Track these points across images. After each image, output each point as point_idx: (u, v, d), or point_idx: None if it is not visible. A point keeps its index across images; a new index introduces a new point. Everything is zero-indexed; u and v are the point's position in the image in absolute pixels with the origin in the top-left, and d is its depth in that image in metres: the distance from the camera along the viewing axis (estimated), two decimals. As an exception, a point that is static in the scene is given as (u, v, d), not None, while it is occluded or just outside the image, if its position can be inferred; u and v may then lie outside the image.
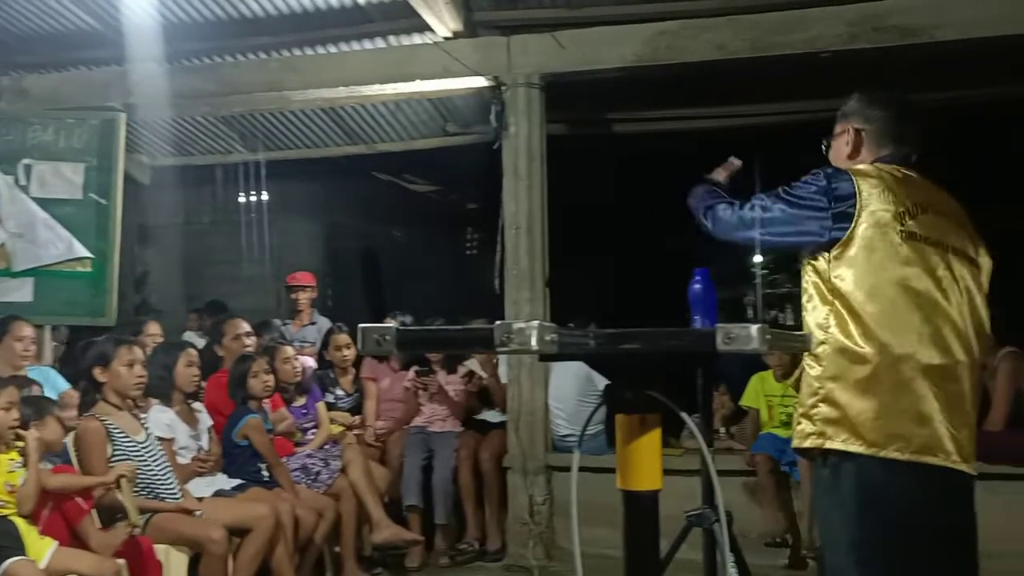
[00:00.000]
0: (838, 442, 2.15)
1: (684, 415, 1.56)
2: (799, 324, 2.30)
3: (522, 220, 5.30)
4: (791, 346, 2.03)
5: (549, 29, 5.29)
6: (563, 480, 5.25)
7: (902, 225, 2.20)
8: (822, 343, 2.18)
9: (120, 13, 5.43)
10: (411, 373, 5.44)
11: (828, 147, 2.52)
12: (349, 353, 5.46)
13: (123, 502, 3.35)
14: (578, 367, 5.23)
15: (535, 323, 1.21)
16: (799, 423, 2.24)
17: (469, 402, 5.57)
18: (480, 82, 5.45)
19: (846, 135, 2.43)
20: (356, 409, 5.46)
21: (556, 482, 5.27)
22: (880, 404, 2.12)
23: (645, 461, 1.48)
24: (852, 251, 2.18)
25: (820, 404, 2.18)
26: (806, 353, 2.20)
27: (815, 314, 2.22)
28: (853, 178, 2.23)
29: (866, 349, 2.14)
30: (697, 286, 2.24)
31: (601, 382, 5.23)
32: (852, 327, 2.15)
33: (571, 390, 5.35)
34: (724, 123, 6.91)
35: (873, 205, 2.19)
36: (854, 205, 2.19)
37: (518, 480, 5.23)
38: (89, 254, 5.68)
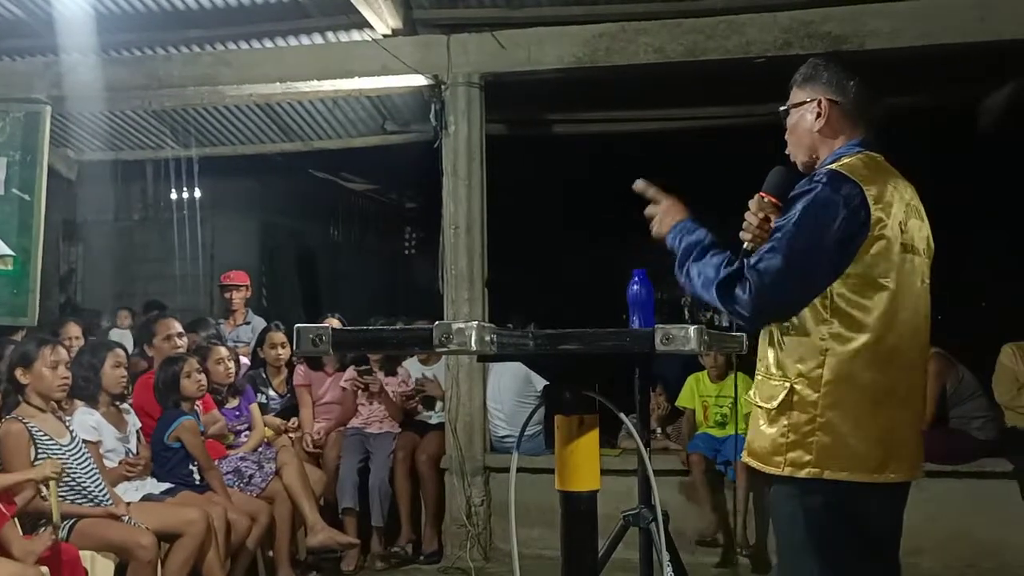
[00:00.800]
0: (837, 472, 2.01)
1: (622, 416, 1.56)
2: (733, 327, 2.25)
3: (461, 220, 5.28)
4: (727, 347, 2.05)
5: (489, 28, 5.29)
6: (501, 481, 5.25)
7: (902, 235, 2.06)
8: (817, 368, 2.01)
9: (46, 2, 5.27)
10: (350, 372, 5.38)
11: (785, 115, 2.27)
12: (284, 352, 5.38)
13: (49, 503, 3.24)
14: (517, 367, 5.24)
15: (474, 323, 1.20)
16: (787, 450, 2.05)
17: (407, 405, 5.54)
18: (419, 80, 5.42)
19: (814, 105, 2.18)
20: (289, 411, 5.38)
21: (494, 483, 5.27)
22: (881, 430, 2.03)
23: (583, 462, 1.48)
24: (865, 269, 2.01)
25: (818, 433, 2.01)
26: (797, 376, 2.04)
27: (807, 334, 2.04)
28: (860, 185, 2.01)
29: (869, 373, 2.01)
30: (635, 287, 2.25)
31: (540, 383, 5.25)
32: (857, 350, 2.00)
33: (509, 391, 5.36)
34: (662, 125, 7.02)
35: (878, 213, 2.01)
36: (868, 219, 2.00)
37: (456, 481, 5.21)
38: (10, 252, 5.49)
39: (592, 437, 1.48)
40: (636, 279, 2.24)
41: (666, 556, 2.67)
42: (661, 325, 1.38)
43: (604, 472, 1.53)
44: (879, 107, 2.23)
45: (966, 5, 4.85)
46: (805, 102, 2.20)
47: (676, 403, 5.58)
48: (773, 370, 2.11)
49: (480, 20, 5.40)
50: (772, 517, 2.25)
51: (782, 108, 2.27)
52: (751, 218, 2.21)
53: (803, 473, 2.03)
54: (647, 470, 2.95)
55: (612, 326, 1.51)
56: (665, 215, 2.24)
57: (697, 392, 5.40)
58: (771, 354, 2.13)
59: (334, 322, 5.41)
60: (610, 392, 1.52)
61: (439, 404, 5.60)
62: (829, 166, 2.10)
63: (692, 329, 1.36)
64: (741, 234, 2.22)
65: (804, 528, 2.06)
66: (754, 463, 2.15)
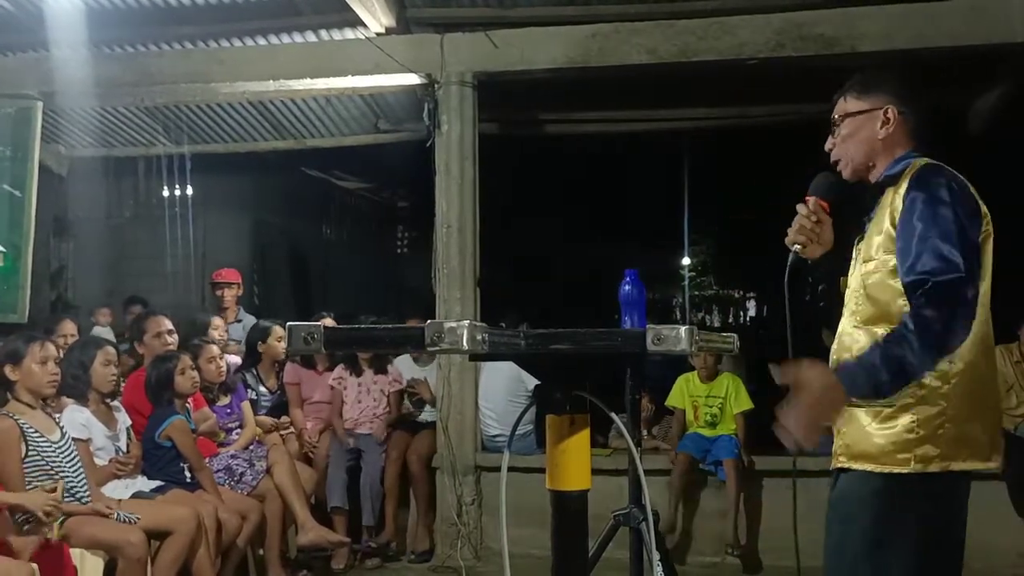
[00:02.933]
0: (962, 463, 2.01)
1: (614, 415, 1.57)
2: (725, 326, 2.25)
3: (454, 219, 5.29)
4: (719, 347, 2.04)
5: (483, 28, 5.30)
6: (492, 480, 5.25)
7: (990, 227, 2.09)
8: (949, 361, 1.98)
9: (38, -3, 5.25)
10: (338, 371, 5.38)
11: (836, 124, 2.24)
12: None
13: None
14: (508, 367, 5.24)
15: (466, 322, 1.20)
16: (915, 445, 2.00)
17: (400, 410, 5.54)
18: (413, 79, 5.42)
19: (880, 114, 2.17)
20: (279, 408, 5.37)
21: (485, 482, 5.27)
22: (995, 416, 2.11)
23: (574, 461, 1.48)
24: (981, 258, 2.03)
25: (947, 425, 2.00)
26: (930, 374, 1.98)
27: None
28: (962, 179, 2.04)
29: (985, 361, 2.07)
30: (627, 287, 2.25)
31: (531, 382, 5.26)
32: (977, 339, 2.01)
33: (501, 390, 5.36)
34: (656, 126, 7.03)
35: (983, 207, 2.06)
36: (980, 209, 2.04)
37: (447, 480, 5.21)
38: (1, 248, 5.46)
39: (583, 437, 1.49)
40: (628, 279, 2.24)
41: (656, 556, 2.68)
42: (652, 325, 1.39)
43: (595, 472, 1.53)
44: (932, 119, 2.24)
45: (957, 8, 4.88)
46: (869, 110, 2.19)
47: (666, 403, 5.59)
48: None
49: (473, 19, 5.40)
50: (851, 520, 2.12)
51: (837, 116, 2.24)
52: (805, 222, 2.22)
53: (933, 467, 2.00)
54: (638, 470, 2.96)
55: (604, 326, 1.51)
56: (820, 407, 1.89)
57: (687, 392, 5.41)
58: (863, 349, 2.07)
59: (329, 321, 5.41)
60: (599, 392, 1.52)
61: (427, 405, 5.62)
62: (918, 164, 2.10)
63: (683, 329, 1.36)
64: (793, 237, 2.23)
65: (911, 526, 2.03)
66: (862, 466, 2.08)
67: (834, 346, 2.23)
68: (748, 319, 21.88)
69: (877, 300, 2.09)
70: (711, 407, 5.30)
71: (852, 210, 2.23)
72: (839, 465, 2.17)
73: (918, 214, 1.99)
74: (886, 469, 2.04)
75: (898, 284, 2.02)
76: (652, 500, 2.28)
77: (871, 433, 2.07)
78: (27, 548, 3.18)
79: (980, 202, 2.06)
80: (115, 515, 3.56)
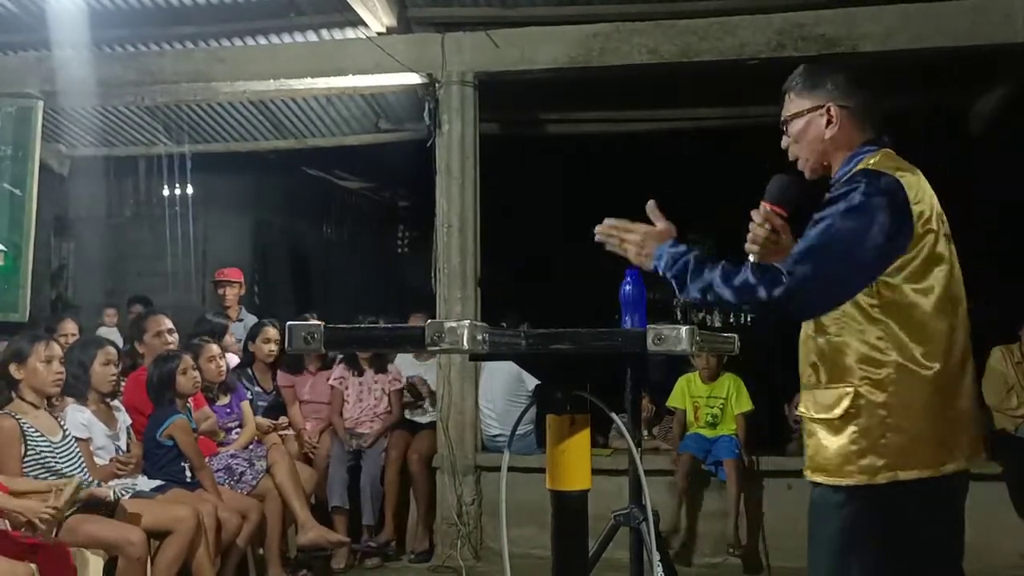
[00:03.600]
0: (910, 471, 1.95)
1: (614, 415, 1.57)
2: (726, 326, 2.24)
3: (454, 219, 5.29)
4: (720, 348, 2.04)
5: (484, 27, 5.30)
6: (492, 480, 5.25)
7: (941, 224, 2.02)
8: (879, 368, 1.96)
9: (39, -4, 5.25)
10: (338, 371, 5.38)
11: (785, 125, 2.19)
12: (276, 348, 5.36)
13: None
14: (509, 367, 5.24)
15: (466, 322, 1.20)
16: (858, 457, 1.97)
17: (401, 410, 5.54)
18: (414, 79, 5.41)
19: (823, 112, 2.11)
20: (276, 408, 5.36)
21: (485, 482, 5.27)
22: (947, 421, 1.99)
23: (575, 461, 1.48)
24: (915, 263, 1.97)
25: (888, 434, 1.95)
26: (861, 379, 1.97)
27: (862, 335, 1.97)
28: (899, 181, 1.97)
29: (932, 368, 1.96)
30: (628, 287, 2.25)
31: (532, 382, 5.26)
32: (913, 346, 1.95)
33: (501, 390, 5.36)
34: (656, 126, 7.03)
35: (919, 207, 1.97)
36: (911, 214, 1.96)
37: (447, 480, 5.21)
38: (2, 247, 5.47)
39: (583, 437, 1.49)
40: (628, 279, 2.24)
41: (656, 556, 2.68)
42: (653, 325, 1.39)
43: (595, 472, 1.53)
44: (882, 106, 2.17)
45: (958, 9, 4.88)
46: (811, 109, 2.13)
47: (667, 403, 5.60)
48: (827, 378, 2.04)
49: (474, 19, 5.40)
50: (820, 532, 2.08)
51: (783, 118, 2.19)
52: (758, 230, 2.16)
53: (880, 479, 1.95)
54: (638, 470, 2.96)
55: (604, 326, 1.51)
56: (645, 241, 2.12)
57: (688, 393, 5.41)
58: (820, 362, 2.05)
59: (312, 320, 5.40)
60: (599, 392, 1.52)
61: (426, 402, 5.61)
62: (860, 167, 2.03)
63: (684, 330, 1.36)
64: (748, 246, 2.18)
65: (867, 538, 1.98)
66: (821, 478, 2.05)
67: (800, 353, 2.17)
68: (749, 319, 21.88)
69: None
70: (712, 408, 5.30)
71: (814, 209, 2.13)
72: (807, 478, 2.14)
73: (826, 211, 1.96)
74: (840, 481, 2.00)
75: None
76: (653, 500, 2.27)
77: (826, 445, 2.04)
78: (28, 547, 3.18)
79: (912, 203, 1.96)
80: (110, 495, 3.54)
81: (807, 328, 2.11)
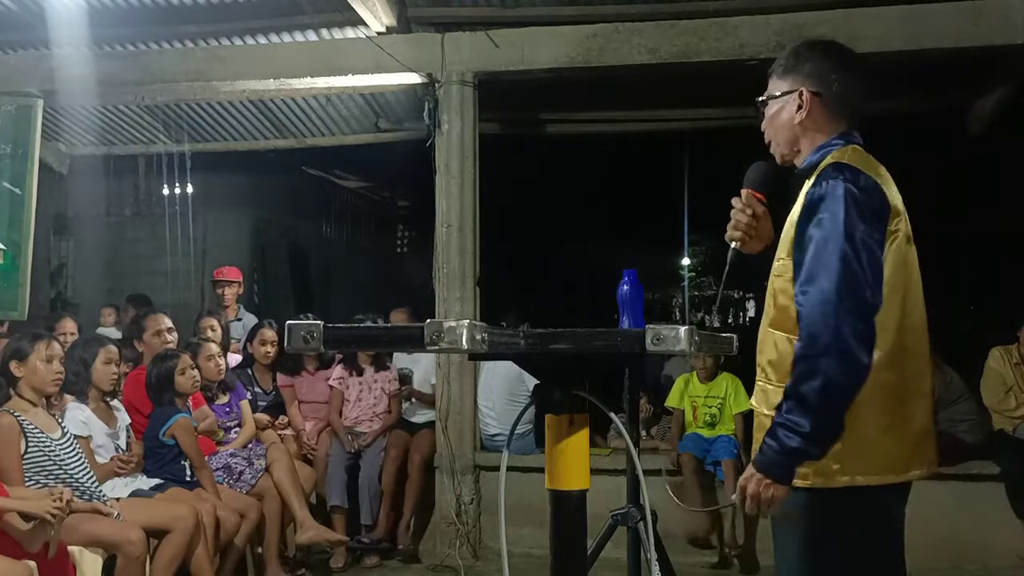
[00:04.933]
0: (869, 477, 1.90)
1: (613, 415, 1.57)
2: (724, 326, 2.24)
3: (454, 218, 5.29)
4: (718, 348, 2.03)
5: (483, 27, 5.30)
6: (491, 479, 5.26)
7: (906, 225, 1.96)
8: None
9: (38, -5, 5.25)
10: (338, 371, 5.39)
11: (763, 105, 2.16)
12: (272, 349, 5.37)
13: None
14: (508, 366, 5.24)
15: (465, 322, 1.20)
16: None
17: (400, 411, 5.54)
18: (413, 78, 5.42)
19: (795, 97, 2.06)
20: (275, 408, 5.37)
21: (484, 481, 5.28)
22: (907, 429, 1.95)
23: (573, 461, 1.48)
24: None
25: (846, 439, 1.86)
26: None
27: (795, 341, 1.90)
28: (873, 178, 1.92)
29: (889, 374, 1.90)
30: (625, 287, 2.25)
31: (531, 382, 5.26)
32: (889, 354, 1.89)
33: (501, 389, 5.36)
34: (655, 126, 7.04)
35: (894, 203, 1.94)
36: (888, 212, 1.91)
37: (446, 479, 5.21)
38: (1, 245, 5.47)
39: (582, 436, 1.49)
40: (626, 279, 2.24)
41: (654, 555, 2.69)
42: (652, 325, 1.39)
43: (593, 471, 1.54)
44: (865, 100, 2.10)
45: (957, 11, 4.88)
46: (785, 92, 2.09)
47: (666, 403, 5.60)
48: (774, 376, 1.99)
49: (474, 19, 5.40)
50: (784, 533, 2.04)
51: (760, 99, 2.17)
52: (740, 216, 2.14)
53: (837, 482, 1.90)
54: (636, 469, 2.96)
55: (601, 326, 1.52)
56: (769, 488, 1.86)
57: (686, 393, 5.42)
58: (772, 359, 2.01)
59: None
60: (598, 392, 1.53)
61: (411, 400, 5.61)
62: (828, 161, 1.97)
63: (683, 330, 1.36)
64: (729, 234, 2.16)
65: (824, 544, 1.94)
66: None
67: (759, 340, 2.11)
68: (748, 320, 21.87)
69: (780, 304, 2.00)
70: (710, 407, 5.31)
71: (788, 199, 2.09)
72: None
73: (814, 222, 1.88)
74: (803, 484, 1.92)
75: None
76: (651, 500, 2.28)
77: None
78: (32, 543, 3.18)
79: (889, 201, 1.93)
80: (115, 514, 3.56)
81: (764, 322, 2.07)
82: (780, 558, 2.07)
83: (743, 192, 2.18)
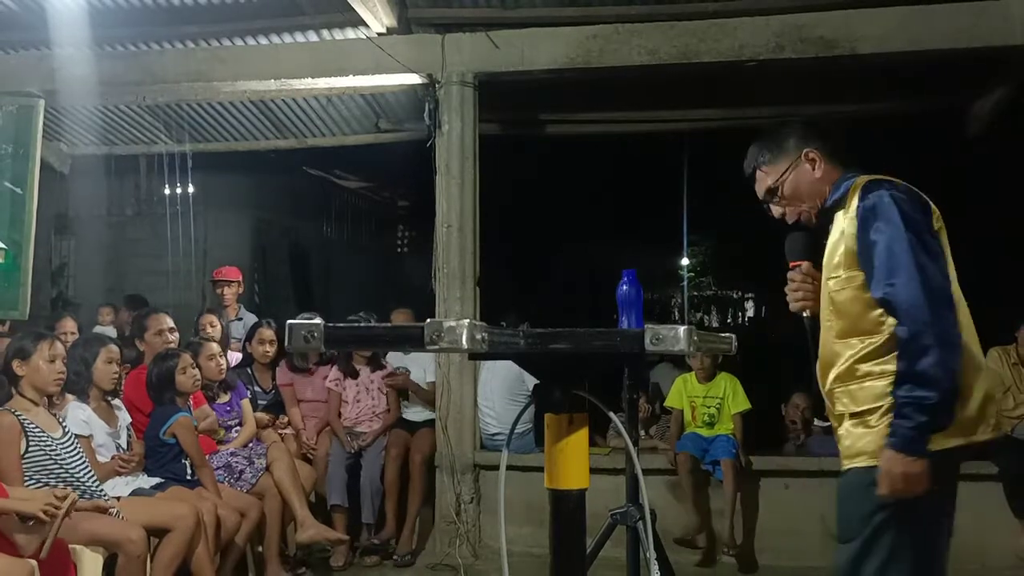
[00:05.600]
0: (955, 439, 2.10)
1: (612, 414, 1.58)
2: (723, 327, 2.29)
3: (454, 218, 5.30)
4: (717, 348, 2.04)
5: (483, 28, 5.31)
6: (491, 479, 5.27)
7: (941, 221, 2.22)
8: None
9: (40, -5, 5.26)
10: (334, 372, 5.40)
11: (775, 195, 2.38)
12: (271, 349, 5.38)
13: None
14: (509, 366, 5.25)
15: (465, 322, 1.21)
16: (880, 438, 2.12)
17: (399, 409, 5.54)
18: (414, 79, 5.43)
19: (802, 162, 2.34)
20: (275, 407, 5.38)
21: (484, 481, 5.29)
22: (977, 394, 2.15)
23: (573, 460, 1.49)
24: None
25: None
26: (888, 372, 2.13)
27: (876, 339, 2.17)
28: (906, 184, 2.20)
29: (968, 344, 2.15)
30: (625, 287, 2.26)
31: (532, 381, 5.26)
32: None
33: (501, 389, 5.37)
34: (655, 127, 7.05)
35: (930, 203, 2.20)
36: (929, 210, 2.18)
37: (446, 479, 5.22)
38: (2, 245, 5.48)
39: (582, 436, 1.50)
40: (625, 279, 2.26)
41: (653, 554, 2.70)
42: (651, 325, 1.40)
43: (593, 471, 1.55)
44: (843, 137, 2.41)
45: (956, 12, 4.89)
46: (792, 165, 2.34)
47: (665, 403, 5.61)
48: (875, 369, 2.16)
49: (474, 20, 5.42)
50: (854, 511, 2.20)
51: (769, 187, 2.37)
52: (806, 287, 2.34)
53: (953, 443, 2.08)
54: (635, 469, 2.98)
55: (600, 325, 1.52)
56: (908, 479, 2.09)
57: (685, 392, 5.43)
58: (851, 364, 2.19)
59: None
60: (598, 391, 1.54)
61: (412, 397, 5.60)
62: (858, 183, 2.22)
63: (681, 329, 1.37)
64: (799, 305, 2.35)
65: (900, 513, 2.10)
66: (861, 462, 2.16)
67: (819, 362, 2.32)
68: (747, 320, 21.87)
69: (848, 314, 2.21)
70: (709, 407, 5.32)
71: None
72: (844, 467, 2.25)
73: (873, 229, 2.13)
74: (875, 462, 2.12)
75: (868, 296, 2.15)
76: (650, 499, 2.30)
77: (870, 432, 2.16)
78: (30, 546, 3.19)
79: (927, 200, 2.19)
80: (115, 512, 3.57)
81: (829, 337, 2.26)
82: (845, 539, 2.19)
83: (802, 265, 2.36)
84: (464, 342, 1.20)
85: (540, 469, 1.50)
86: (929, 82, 5.79)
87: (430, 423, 5.43)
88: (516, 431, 4.55)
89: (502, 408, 5.37)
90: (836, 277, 2.23)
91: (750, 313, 22.15)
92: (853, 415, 2.20)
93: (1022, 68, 5.44)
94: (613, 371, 2.88)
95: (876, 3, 4.96)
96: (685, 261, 17.11)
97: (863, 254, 2.15)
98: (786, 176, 2.34)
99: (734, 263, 18.73)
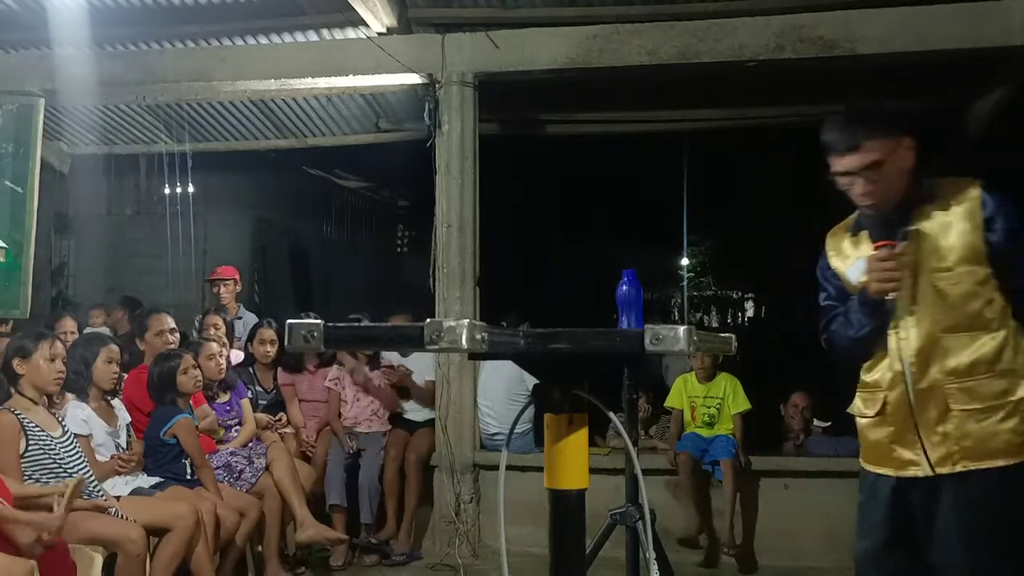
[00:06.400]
0: None
1: (611, 414, 1.58)
2: (723, 327, 2.28)
3: (454, 218, 5.30)
4: (717, 348, 2.04)
5: (483, 28, 5.31)
6: (490, 478, 5.27)
7: None
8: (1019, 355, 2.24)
9: (40, -5, 5.26)
10: (334, 371, 5.39)
11: (875, 169, 2.27)
12: (272, 349, 5.38)
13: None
14: (509, 366, 5.25)
15: (465, 321, 1.21)
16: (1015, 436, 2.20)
17: (394, 399, 5.54)
18: (414, 79, 5.43)
19: (903, 148, 2.29)
20: (276, 407, 5.37)
21: (483, 480, 5.29)
22: None
23: (572, 460, 1.49)
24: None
25: None
26: (1011, 370, 2.22)
27: (998, 335, 2.24)
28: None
29: None
30: (624, 287, 2.27)
31: (532, 381, 5.25)
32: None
33: (501, 389, 5.37)
34: (655, 127, 7.05)
35: None
36: None
37: (445, 478, 5.23)
38: (2, 244, 5.48)
39: (581, 436, 1.50)
40: (625, 280, 2.26)
41: (653, 554, 2.70)
42: (651, 325, 1.40)
43: (592, 471, 1.55)
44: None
45: (956, 12, 4.89)
46: (893, 148, 2.27)
47: (665, 403, 5.62)
48: (995, 368, 2.21)
49: (474, 20, 5.42)
50: (1002, 509, 2.23)
51: (877, 159, 2.27)
52: (895, 269, 2.26)
53: None
54: (635, 469, 2.98)
55: (600, 325, 1.52)
56: None
57: (685, 392, 5.43)
58: (973, 359, 2.22)
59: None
60: (597, 391, 1.54)
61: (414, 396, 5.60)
62: (955, 183, 2.30)
63: (681, 329, 1.37)
64: (883, 287, 2.27)
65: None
66: (1003, 461, 2.19)
67: (915, 354, 2.28)
68: (746, 320, 21.88)
69: (962, 309, 2.23)
70: (709, 407, 5.32)
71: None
72: (967, 468, 2.23)
73: (1002, 226, 2.21)
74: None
75: (988, 292, 2.22)
76: (649, 499, 2.30)
77: (999, 429, 2.20)
78: (30, 546, 3.18)
79: None
80: (114, 511, 3.57)
81: (935, 330, 2.25)
82: (1002, 544, 2.20)
83: (896, 245, 2.27)
84: (464, 342, 1.20)
85: (540, 469, 1.50)
86: (929, 82, 5.78)
87: (430, 423, 5.43)
88: (516, 431, 4.58)
89: (502, 408, 5.37)
90: (948, 271, 2.23)
91: (750, 313, 22.16)
92: (970, 411, 2.21)
93: (1022, 68, 5.44)
94: (613, 371, 2.88)
95: (876, 3, 4.96)
96: (685, 261, 17.12)
97: (1005, 251, 2.20)
98: (890, 156, 2.27)
99: (734, 263, 18.74)
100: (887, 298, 2.28)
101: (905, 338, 2.29)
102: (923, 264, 2.26)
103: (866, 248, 2.37)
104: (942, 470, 2.23)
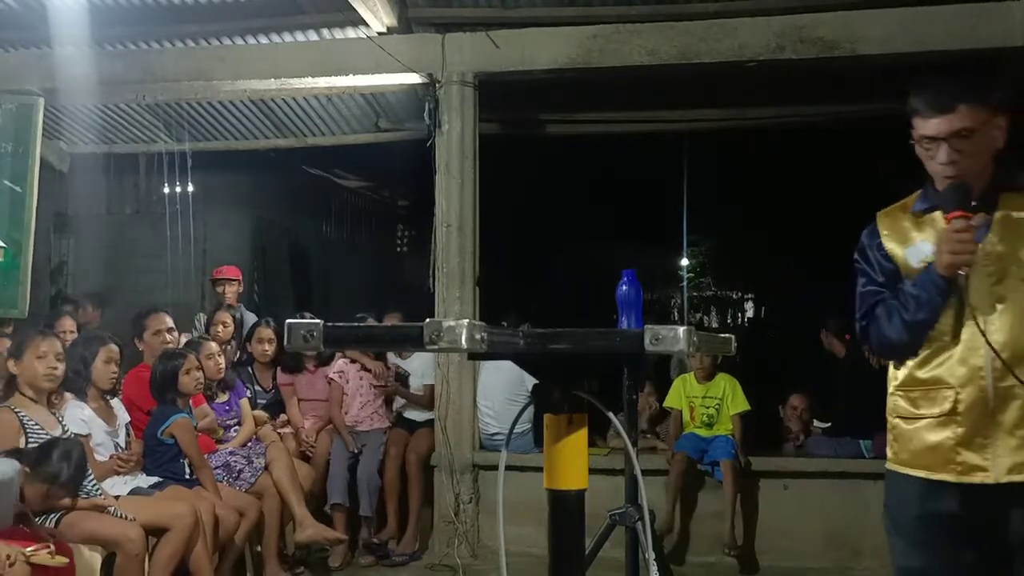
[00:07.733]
0: None
1: (611, 415, 1.58)
2: (723, 327, 2.24)
3: (454, 218, 5.30)
4: (716, 348, 2.03)
5: (484, 28, 5.31)
6: (489, 479, 5.27)
7: None
8: None
9: (40, -7, 5.26)
10: (339, 364, 5.39)
11: (967, 137, 2.09)
12: (270, 348, 5.38)
13: None
14: (509, 366, 5.24)
15: (465, 321, 1.21)
16: None
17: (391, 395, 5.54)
18: (414, 79, 5.43)
19: (994, 125, 2.13)
20: (275, 406, 5.37)
21: (482, 481, 5.29)
22: None
23: (572, 461, 1.49)
24: None
25: None
26: None
27: None
28: None
29: None
30: (624, 287, 2.26)
31: (531, 382, 5.24)
32: None
33: (500, 389, 5.37)
34: (655, 127, 7.05)
35: None
36: None
37: (445, 478, 5.22)
38: (2, 243, 5.48)
39: (581, 436, 1.50)
40: (625, 280, 2.25)
41: (652, 555, 2.69)
42: (650, 325, 1.40)
43: (592, 471, 1.54)
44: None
45: (956, 13, 4.89)
46: (989, 120, 2.12)
47: (664, 404, 5.61)
48: None
49: (475, 19, 5.42)
50: None
51: (970, 126, 2.10)
52: (968, 240, 2.05)
53: None
54: (635, 469, 2.98)
55: (599, 325, 1.52)
56: None
57: (684, 393, 5.43)
58: None
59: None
60: (597, 390, 1.53)
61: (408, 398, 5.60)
62: None
63: (681, 330, 1.37)
64: (959, 259, 2.04)
65: None
66: None
67: (1002, 349, 2.06)
68: (746, 320, 21.88)
69: None
70: (708, 408, 5.32)
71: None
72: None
73: None
74: None
75: None
76: (649, 500, 2.28)
77: None
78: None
79: None
80: (113, 510, 3.57)
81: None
82: None
83: (972, 217, 2.07)
84: (463, 342, 1.20)
85: (539, 469, 1.49)
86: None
87: (431, 423, 5.42)
88: (515, 431, 4.58)
89: (502, 408, 5.37)
90: None
91: (749, 314, 22.17)
92: None
93: (1022, 69, 5.43)
94: (613, 371, 2.88)
95: (877, 4, 4.96)
96: (685, 261, 17.12)
97: None
98: (982, 128, 2.10)
99: (734, 263, 18.75)
100: (959, 273, 2.05)
101: (988, 332, 2.05)
102: (1010, 255, 2.08)
103: (930, 231, 2.17)
104: (1015, 478, 2.04)
